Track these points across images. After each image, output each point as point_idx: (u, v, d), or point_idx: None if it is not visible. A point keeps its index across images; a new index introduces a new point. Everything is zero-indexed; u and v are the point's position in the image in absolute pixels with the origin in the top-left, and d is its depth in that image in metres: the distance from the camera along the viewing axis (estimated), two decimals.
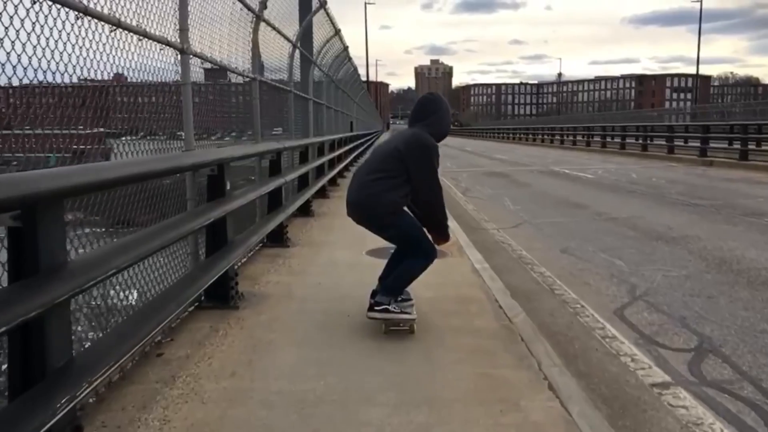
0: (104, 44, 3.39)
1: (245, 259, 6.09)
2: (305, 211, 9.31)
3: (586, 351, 4.26)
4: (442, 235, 4.35)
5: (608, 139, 30.57)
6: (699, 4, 50.51)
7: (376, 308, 4.10)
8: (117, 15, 3.44)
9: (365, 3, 74.76)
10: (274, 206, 6.81)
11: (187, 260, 4.70)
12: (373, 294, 4.24)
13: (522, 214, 10.47)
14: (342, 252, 6.74)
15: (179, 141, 4.70)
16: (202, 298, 4.56)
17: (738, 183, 14.74)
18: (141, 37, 3.75)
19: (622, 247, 7.57)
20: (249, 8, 6.50)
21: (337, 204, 11.08)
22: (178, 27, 4.50)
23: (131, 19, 3.65)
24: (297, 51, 9.84)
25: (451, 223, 8.95)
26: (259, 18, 6.83)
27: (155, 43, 4.03)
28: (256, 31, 6.84)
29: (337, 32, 12.35)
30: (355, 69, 20.04)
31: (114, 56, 3.48)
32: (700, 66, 50.96)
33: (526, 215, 10.34)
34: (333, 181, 13.85)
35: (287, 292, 5.14)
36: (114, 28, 3.38)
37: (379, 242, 6.72)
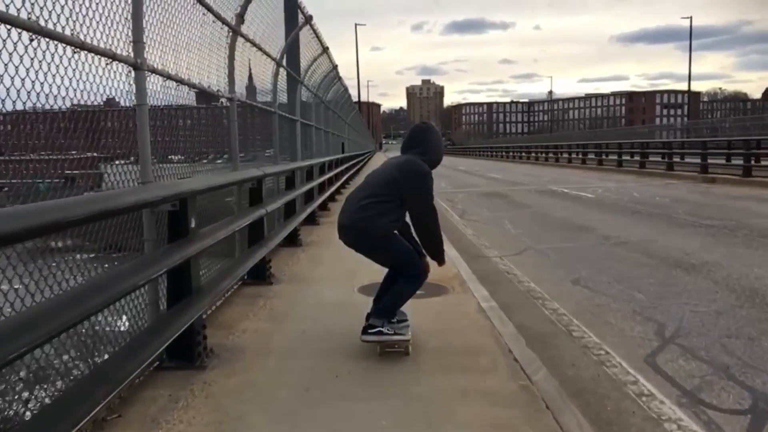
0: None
1: (221, 301, 5.38)
2: (292, 240, 8.62)
3: (621, 415, 3.56)
4: (439, 257, 4.38)
5: (604, 157, 30.06)
6: (688, 21, 50.57)
7: (370, 331, 4.12)
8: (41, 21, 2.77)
9: (356, 24, 74.87)
10: (255, 239, 6.12)
11: (145, 312, 4.00)
12: (368, 317, 4.25)
13: (525, 239, 9.80)
14: (331, 290, 6.03)
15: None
16: (164, 356, 3.85)
17: (746, 201, 14.13)
18: (76, 49, 3.07)
19: (638, 277, 6.90)
20: (224, 21, 5.86)
21: (328, 231, 10.39)
22: (131, 39, 3.85)
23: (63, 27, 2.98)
24: (282, 70, 9.21)
25: (451, 251, 8.33)
26: (235, 32, 6.19)
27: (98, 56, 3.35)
28: (232, 47, 6.19)
29: (325, 50, 11.76)
30: (346, 89, 19.48)
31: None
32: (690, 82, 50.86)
33: (530, 240, 9.67)
34: (323, 206, 13.17)
35: (265, 344, 4.42)
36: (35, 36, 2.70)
37: (372, 276, 6.09)
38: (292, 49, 10.46)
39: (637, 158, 26.03)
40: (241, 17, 6.26)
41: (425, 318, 4.90)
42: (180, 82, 4.69)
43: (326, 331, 4.72)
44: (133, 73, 3.84)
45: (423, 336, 4.48)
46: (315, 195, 11.21)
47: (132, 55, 3.80)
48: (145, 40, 3.94)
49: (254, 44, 7.18)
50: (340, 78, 16.12)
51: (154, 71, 4.09)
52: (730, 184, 18.52)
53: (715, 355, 4.45)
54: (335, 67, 14.06)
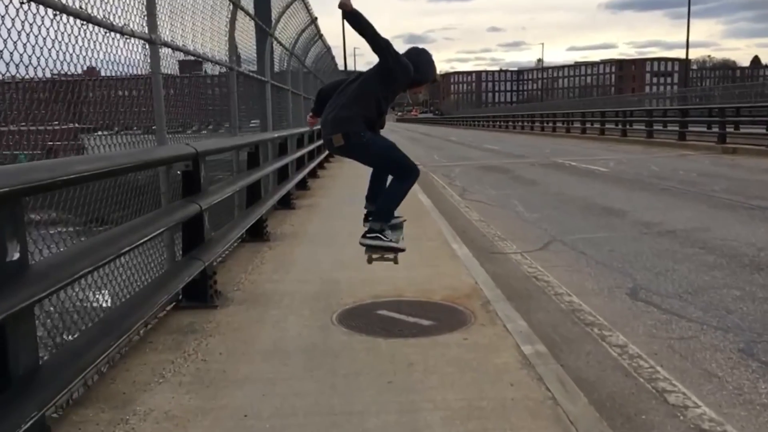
0: None
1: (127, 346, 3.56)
2: (257, 233, 6.76)
3: None
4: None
5: (608, 126, 28.21)
6: None
7: (368, 234, 4.00)
8: None
9: None
10: (191, 245, 4.28)
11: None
12: (366, 218, 4.14)
13: (545, 226, 8.01)
14: (298, 319, 4.19)
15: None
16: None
17: None
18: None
19: (715, 286, 5.15)
20: None
21: (306, 217, 8.53)
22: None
23: None
24: (243, 15, 7.27)
25: (461, 248, 6.53)
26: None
27: None
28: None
29: None
30: (329, 49, 17.37)
31: None
32: (678, 50, 48.91)
33: (551, 228, 7.88)
34: (302, 184, 11.29)
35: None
36: None
37: (357, 291, 4.33)
38: None
39: (645, 128, 24.16)
40: None
41: (443, 382, 3.11)
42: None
43: (282, 420, 2.91)
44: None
45: (447, 427, 2.69)
46: (289, 173, 9.34)
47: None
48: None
49: None
50: (321, 36, 14.07)
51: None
52: (754, 155, 16.79)
53: None
54: (314, 20, 12.00)
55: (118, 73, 3.83)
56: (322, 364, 3.34)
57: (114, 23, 3.53)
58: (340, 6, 3.55)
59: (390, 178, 4.06)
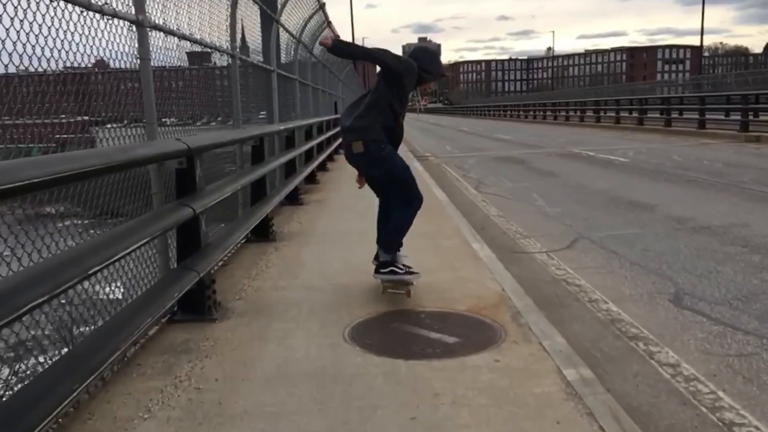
0: None
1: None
2: (262, 232, 6.30)
3: None
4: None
5: (623, 114, 27.50)
6: None
7: (382, 270, 4.13)
8: None
9: None
10: (185, 251, 3.82)
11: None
12: (377, 257, 4.34)
13: (568, 222, 7.51)
14: (306, 334, 3.72)
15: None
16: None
17: None
18: None
19: (766, 290, 4.66)
20: None
21: (315, 214, 8.08)
22: None
23: None
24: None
25: (482, 249, 6.05)
26: None
27: None
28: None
29: None
30: (338, 37, 16.82)
31: None
32: (689, 37, 47.94)
33: (576, 224, 7.37)
34: (311, 178, 10.84)
35: None
36: None
37: (370, 300, 3.93)
38: None
39: (663, 116, 23.47)
40: None
41: (477, 419, 2.63)
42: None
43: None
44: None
45: None
46: (297, 167, 8.88)
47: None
48: None
49: None
50: (329, 23, 13.54)
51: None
52: None
53: None
54: (322, 5, 11.48)
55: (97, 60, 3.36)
56: (333, 395, 2.87)
57: (92, 1, 3.07)
58: (321, 44, 3.92)
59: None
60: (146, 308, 2.75)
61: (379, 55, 3.95)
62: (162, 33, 4.06)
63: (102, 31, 3.46)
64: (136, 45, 3.67)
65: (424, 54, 4.16)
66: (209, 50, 6.04)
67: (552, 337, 3.52)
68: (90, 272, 2.09)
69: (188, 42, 5.14)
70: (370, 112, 3.98)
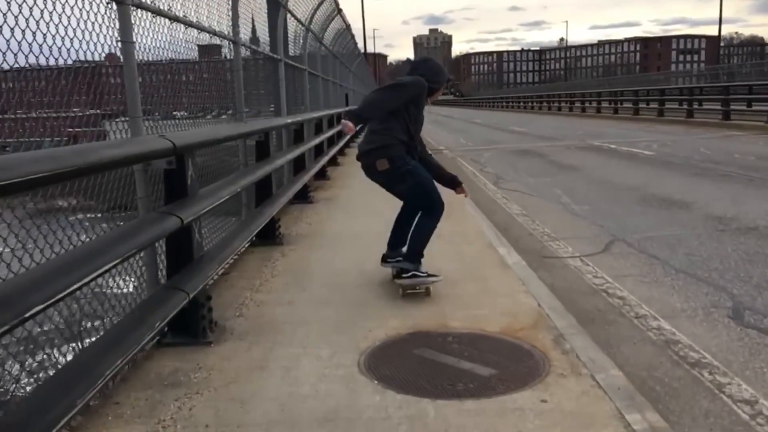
0: None
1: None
2: (268, 235, 5.79)
3: None
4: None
5: (641, 105, 26.72)
6: None
7: (404, 276, 4.11)
8: None
9: None
10: (175, 266, 3.31)
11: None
12: (384, 258, 4.44)
13: (599, 222, 6.94)
14: (315, 363, 3.19)
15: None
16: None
17: None
18: None
19: None
20: None
21: (326, 213, 7.55)
22: None
23: None
24: None
25: (506, 252, 5.51)
26: None
27: None
28: None
29: None
30: (348, 27, 16.24)
31: None
32: (704, 27, 46.79)
33: (608, 224, 6.80)
34: (321, 173, 10.32)
35: None
36: None
37: (389, 318, 3.43)
38: None
39: (684, 107, 22.70)
40: None
41: None
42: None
43: None
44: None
45: None
46: (306, 163, 8.35)
47: None
48: None
49: None
50: (340, 11, 12.97)
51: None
52: None
53: None
54: None
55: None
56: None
57: None
58: (347, 132, 3.95)
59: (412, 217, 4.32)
60: (119, 344, 2.22)
61: (396, 94, 4.12)
62: (149, 13, 3.53)
63: (81, 10, 2.97)
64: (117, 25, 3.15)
65: (427, 67, 4.34)
66: (218, 43, 5.66)
67: (606, 369, 2.98)
68: (28, 314, 1.57)
69: (195, 30, 4.74)
70: (386, 132, 4.12)
